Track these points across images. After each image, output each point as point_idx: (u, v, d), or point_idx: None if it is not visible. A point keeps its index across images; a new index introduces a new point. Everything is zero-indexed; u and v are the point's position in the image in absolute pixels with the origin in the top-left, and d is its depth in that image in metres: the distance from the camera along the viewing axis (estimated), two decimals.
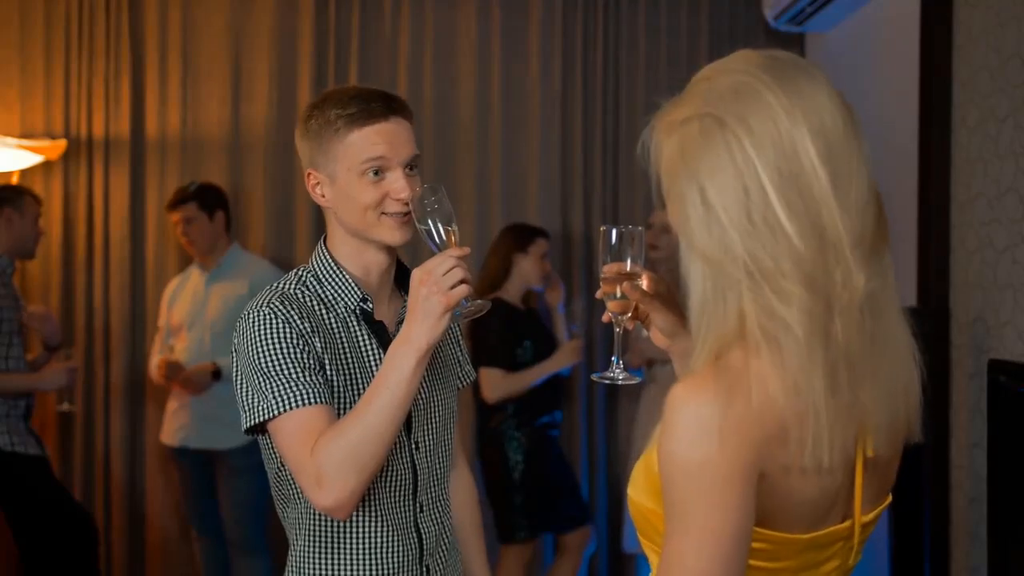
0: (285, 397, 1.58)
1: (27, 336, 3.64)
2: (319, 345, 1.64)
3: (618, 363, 1.57)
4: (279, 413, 1.58)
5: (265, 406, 1.59)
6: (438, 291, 1.53)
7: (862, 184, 1.06)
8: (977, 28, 2.84)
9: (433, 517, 1.77)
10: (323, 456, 1.53)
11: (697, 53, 4.37)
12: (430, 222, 1.60)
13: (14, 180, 4.01)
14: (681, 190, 1.08)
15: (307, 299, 1.70)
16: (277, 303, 1.65)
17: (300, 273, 1.75)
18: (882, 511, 1.20)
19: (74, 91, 4.20)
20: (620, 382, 1.57)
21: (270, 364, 1.60)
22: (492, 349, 3.70)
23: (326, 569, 1.70)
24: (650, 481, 1.13)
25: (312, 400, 1.58)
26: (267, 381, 1.59)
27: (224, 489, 3.83)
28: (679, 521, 1.03)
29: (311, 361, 1.62)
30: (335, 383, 1.65)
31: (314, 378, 1.60)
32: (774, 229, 1.03)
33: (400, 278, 1.81)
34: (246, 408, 1.63)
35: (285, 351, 1.60)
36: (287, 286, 1.72)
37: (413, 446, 1.73)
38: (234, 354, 1.67)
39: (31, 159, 4.01)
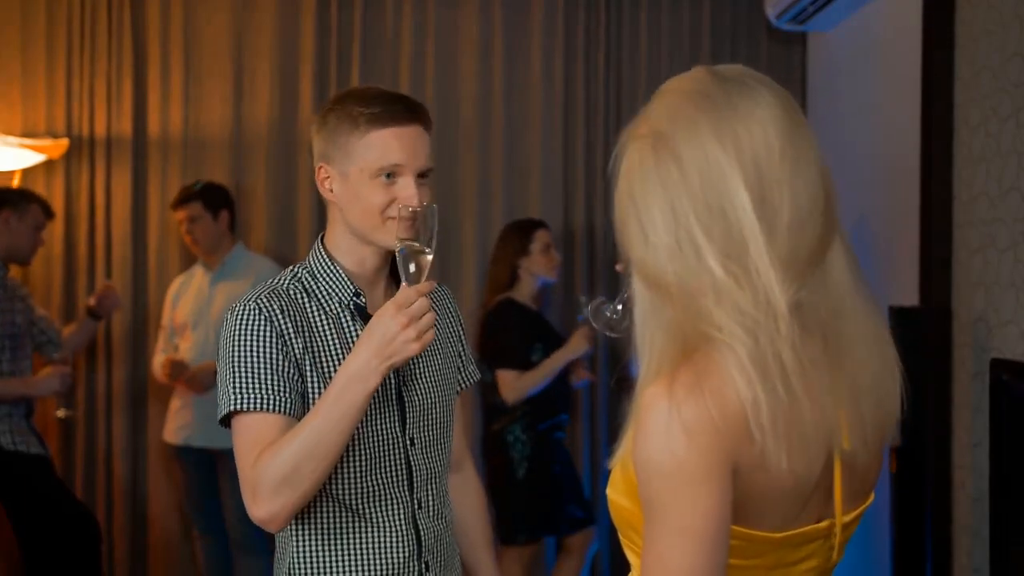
0: (246, 395, 1.59)
1: (24, 338, 3.61)
2: (299, 346, 1.64)
3: (617, 304, 1.64)
4: (237, 409, 1.59)
5: (227, 399, 1.60)
6: (416, 335, 1.52)
7: (798, 203, 1.07)
8: (979, 27, 2.84)
9: (431, 514, 1.77)
10: (261, 470, 1.54)
11: (699, 52, 4.36)
12: (415, 244, 1.58)
13: (16, 180, 4.01)
14: (624, 207, 1.12)
15: (298, 296, 1.70)
16: (264, 299, 1.66)
17: (296, 270, 1.76)
18: (862, 512, 1.20)
19: (76, 90, 4.20)
20: (608, 312, 1.64)
21: (242, 359, 1.61)
22: (511, 350, 3.67)
23: (322, 563, 1.69)
24: (627, 482, 1.14)
25: (270, 407, 1.58)
26: (235, 375, 1.60)
27: (226, 488, 3.83)
28: (658, 522, 1.04)
29: (285, 364, 1.62)
30: (316, 383, 1.64)
31: (282, 384, 1.60)
32: (698, 255, 1.06)
33: (393, 270, 1.79)
34: (219, 400, 1.64)
35: (259, 349, 1.61)
36: (281, 282, 1.72)
37: (408, 442, 1.73)
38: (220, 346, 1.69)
39: (33, 158, 4.01)
